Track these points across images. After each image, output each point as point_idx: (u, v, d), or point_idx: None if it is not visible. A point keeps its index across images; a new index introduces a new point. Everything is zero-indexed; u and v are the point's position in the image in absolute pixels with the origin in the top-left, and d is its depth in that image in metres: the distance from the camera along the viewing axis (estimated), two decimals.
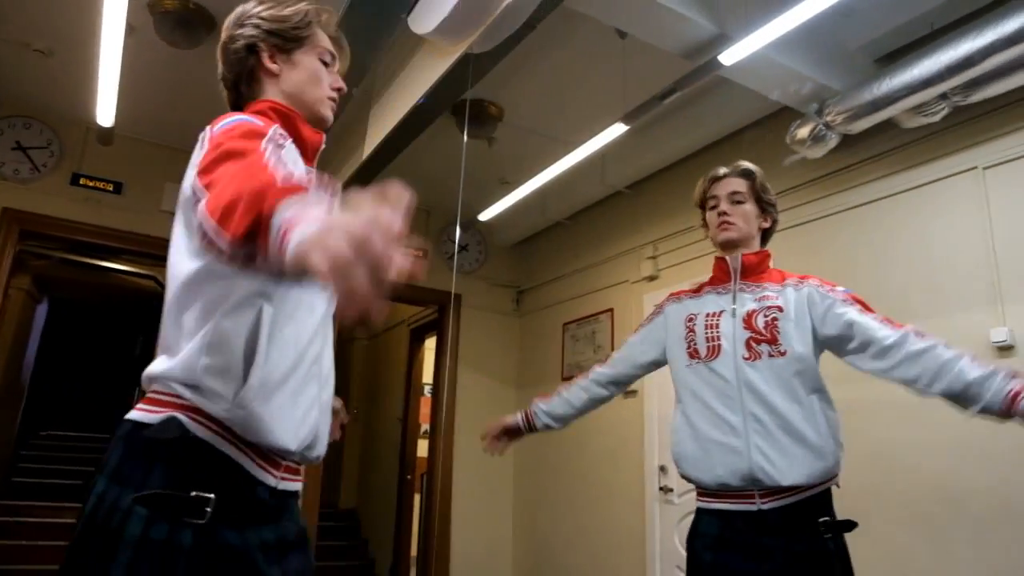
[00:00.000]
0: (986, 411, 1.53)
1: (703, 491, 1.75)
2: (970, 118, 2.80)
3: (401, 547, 5.96)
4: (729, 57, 2.59)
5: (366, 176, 3.60)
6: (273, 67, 1.28)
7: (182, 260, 1.11)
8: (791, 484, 1.61)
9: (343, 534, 6.54)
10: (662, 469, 3.84)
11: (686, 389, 1.79)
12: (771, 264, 1.86)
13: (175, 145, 4.37)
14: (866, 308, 1.74)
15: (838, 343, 1.73)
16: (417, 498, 5.84)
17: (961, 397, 1.56)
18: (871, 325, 1.67)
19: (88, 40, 3.20)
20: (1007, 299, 2.62)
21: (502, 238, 5.46)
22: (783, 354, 1.68)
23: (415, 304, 5.89)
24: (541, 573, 4.81)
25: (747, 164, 1.89)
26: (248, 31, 1.27)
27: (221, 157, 0.99)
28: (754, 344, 1.70)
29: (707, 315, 1.80)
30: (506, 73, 3.23)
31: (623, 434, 4.16)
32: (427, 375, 6.20)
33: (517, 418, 2.10)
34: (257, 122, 1.13)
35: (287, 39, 1.29)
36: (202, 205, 0.89)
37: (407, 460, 6.07)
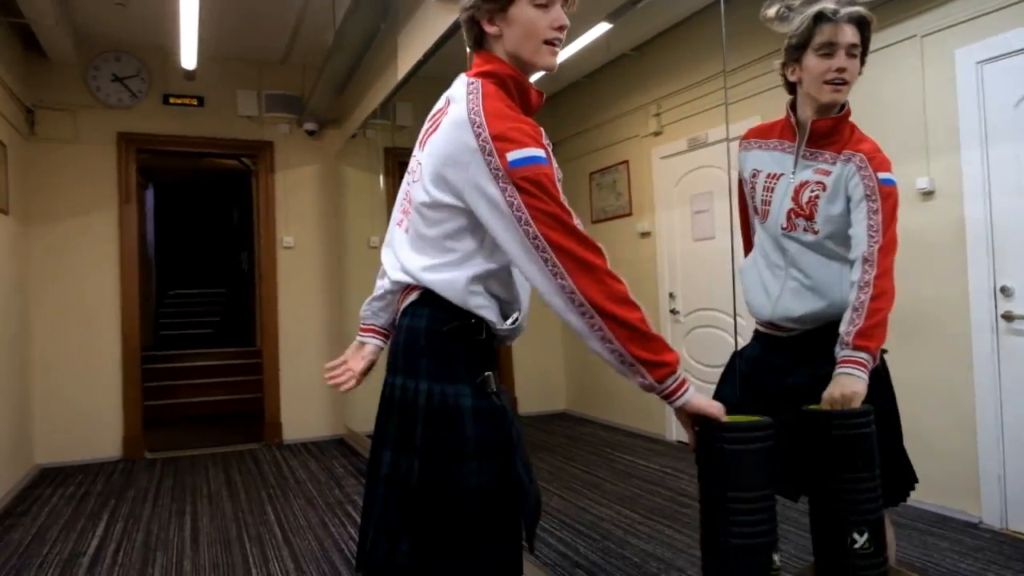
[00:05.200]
0: None
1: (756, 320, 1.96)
2: None
3: None
4: None
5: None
6: (493, 30, 1.36)
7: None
8: (807, 317, 1.79)
9: None
10: (671, 295, 4.70)
11: (756, 237, 1.94)
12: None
13: (245, 56, 5.04)
14: (884, 206, 1.70)
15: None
16: None
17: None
18: (860, 234, 1.70)
19: None
20: (932, 154, 3.15)
21: None
22: (816, 232, 1.77)
23: None
24: None
25: (862, 10, 1.71)
26: (468, 2, 1.38)
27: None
28: (793, 216, 1.79)
29: (767, 176, 1.86)
30: None
31: (640, 270, 4.94)
32: None
33: None
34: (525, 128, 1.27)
35: (496, 1, 1.35)
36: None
37: None
